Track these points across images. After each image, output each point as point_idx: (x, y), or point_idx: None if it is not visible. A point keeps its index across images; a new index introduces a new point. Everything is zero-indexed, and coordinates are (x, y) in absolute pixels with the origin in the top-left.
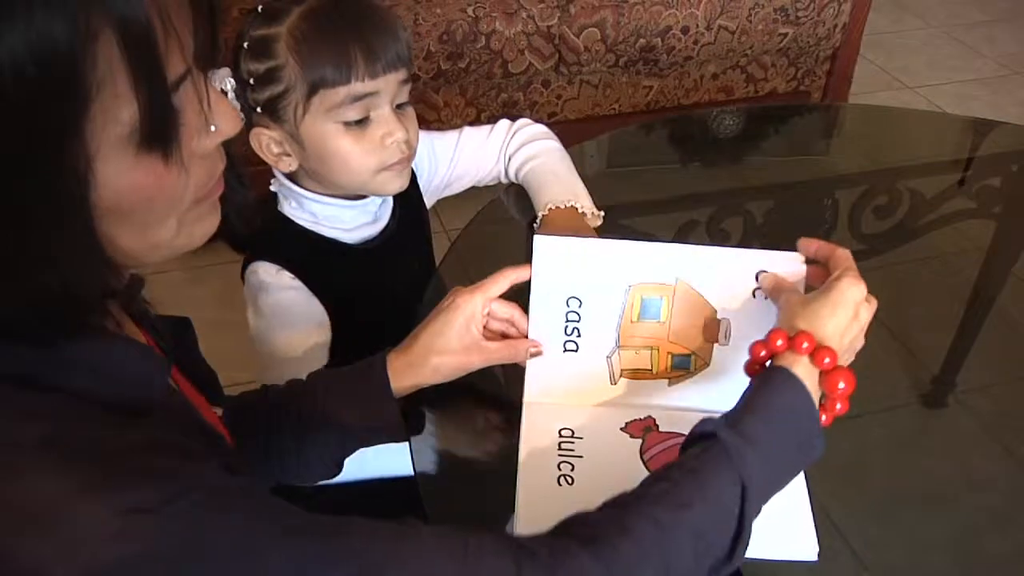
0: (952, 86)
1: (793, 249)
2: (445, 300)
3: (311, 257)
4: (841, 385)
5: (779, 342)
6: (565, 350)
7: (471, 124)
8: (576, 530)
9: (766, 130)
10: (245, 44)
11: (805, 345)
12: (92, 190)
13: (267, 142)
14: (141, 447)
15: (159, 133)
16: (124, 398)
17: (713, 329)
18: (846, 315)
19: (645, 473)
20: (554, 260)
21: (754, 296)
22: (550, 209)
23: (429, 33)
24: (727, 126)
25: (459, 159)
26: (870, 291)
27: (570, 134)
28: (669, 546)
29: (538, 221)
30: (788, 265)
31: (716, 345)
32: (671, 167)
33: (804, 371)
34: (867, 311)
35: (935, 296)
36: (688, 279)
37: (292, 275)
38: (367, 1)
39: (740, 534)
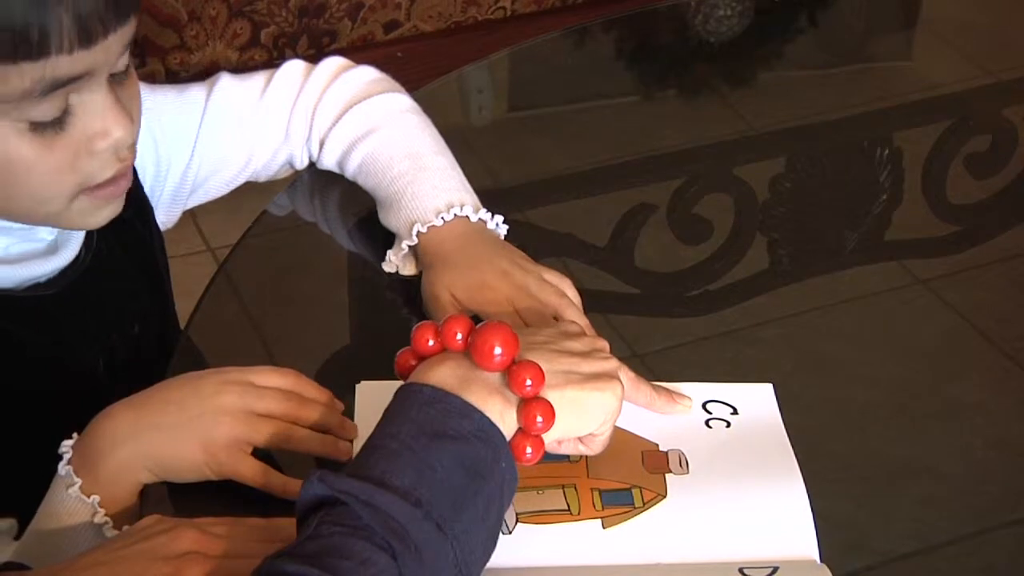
0: None
1: (763, 381)
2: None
3: None
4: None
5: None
6: None
7: (243, 52)
8: None
9: (786, 25)
10: None
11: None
12: None
13: None
14: None
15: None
16: None
17: (659, 460)
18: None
19: None
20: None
21: (709, 426)
22: (419, 232)
23: None
24: (718, 21)
25: (212, 138)
26: (964, 305)
27: (430, 60)
28: None
29: (403, 250)
30: (751, 397)
31: (669, 475)
32: (620, 103)
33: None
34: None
35: None
36: None
37: None
38: None
39: None
